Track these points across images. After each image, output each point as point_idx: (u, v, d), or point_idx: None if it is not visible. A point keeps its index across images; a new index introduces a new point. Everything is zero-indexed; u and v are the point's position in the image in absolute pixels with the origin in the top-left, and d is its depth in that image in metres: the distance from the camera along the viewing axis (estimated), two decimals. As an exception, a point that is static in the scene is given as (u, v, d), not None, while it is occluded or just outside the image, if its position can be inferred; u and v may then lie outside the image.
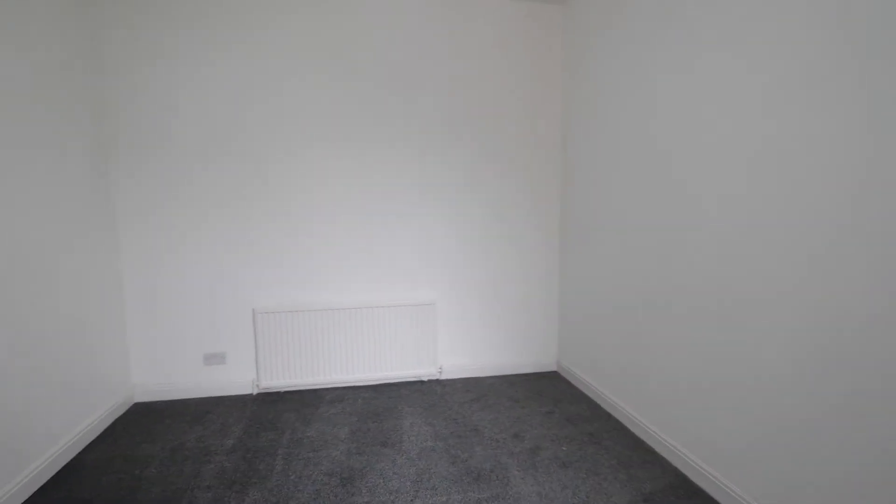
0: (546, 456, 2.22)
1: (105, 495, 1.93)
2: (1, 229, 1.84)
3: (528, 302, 3.26)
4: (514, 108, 3.08)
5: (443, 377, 3.17)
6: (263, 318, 2.86)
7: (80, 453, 2.25)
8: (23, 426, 1.93)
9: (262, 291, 2.90)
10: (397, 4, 2.87)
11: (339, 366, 2.98)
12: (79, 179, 2.38)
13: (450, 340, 3.19)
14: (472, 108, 3.03)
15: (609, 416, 2.62)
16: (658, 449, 2.22)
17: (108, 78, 2.59)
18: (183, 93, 2.67)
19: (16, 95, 1.95)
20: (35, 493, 1.94)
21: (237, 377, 2.92)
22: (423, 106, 2.96)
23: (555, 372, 3.31)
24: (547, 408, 2.74)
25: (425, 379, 3.13)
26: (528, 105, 3.10)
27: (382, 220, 2.99)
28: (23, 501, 1.87)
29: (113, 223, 2.67)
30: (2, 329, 1.82)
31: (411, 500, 1.89)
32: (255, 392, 2.93)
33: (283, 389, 2.95)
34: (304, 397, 2.87)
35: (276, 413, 2.66)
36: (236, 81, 2.72)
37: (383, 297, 3.05)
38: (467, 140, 3.04)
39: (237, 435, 2.41)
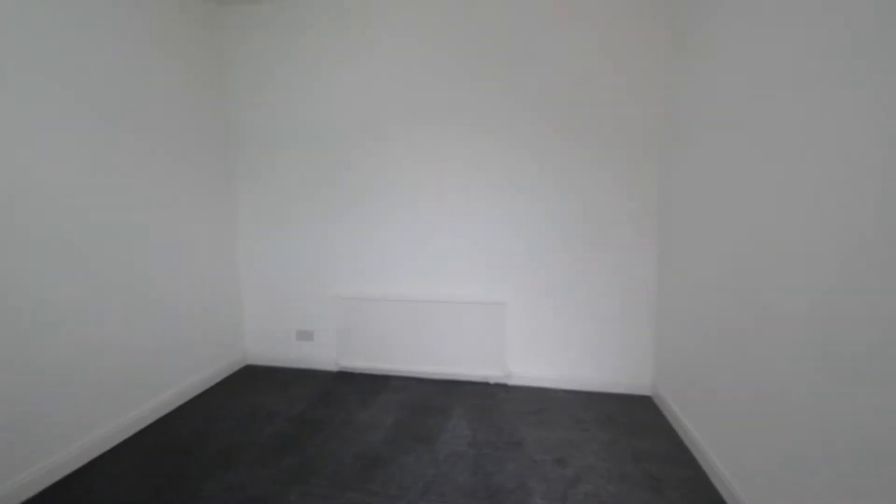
0: (583, 491, 1.91)
1: (187, 437, 2.38)
2: (162, 225, 2.45)
3: (617, 313, 2.83)
4: (611, 93, 2.68)
5: (511, 383, 2.99)
6: (343, 304, 3.13)
7: (197, 396, 2.82)
8: (161, 365, 2.52)
9: (343, 279, 3.17)
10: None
11: (407, 356, 3.08)
12: (211, 180, 2.97)
13: (521, 345, 2.98)
14: (563, 94, 2.74)
15: (693, 461, 2.11)
16: (738, 518, 1.69)
17: (232, 99, 3.16)
18: (282, 103, 3.09)
19: (171, 116, 2.55)
20: (158, 420, 2.51)
21: (322, 354, 3.26)
22: (506, 94, 2.81)
23: (647, 397, 2.80)
24: (612, 436, 2.34)
25: (491, 382, 3.00)
26: (628, 89, 2.66)
27: (459, 216, 2.95)
28: (151, 423, 2.45)
29: (234, 217, 3.25)
30: (161, 301, 2.41)
31: (415, 502, 1.84)
32: (335, 369, 3.23)
33: (357, 371, 3.18)
34: (373, 381, 3.05)
35: (342, 392, 2.89)
36: (320, 89, 3.02)
37: (453, 293, 3.02)
38: (555, 129, 2.77)
39: (302, 406, 2.70)
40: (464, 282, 3.01)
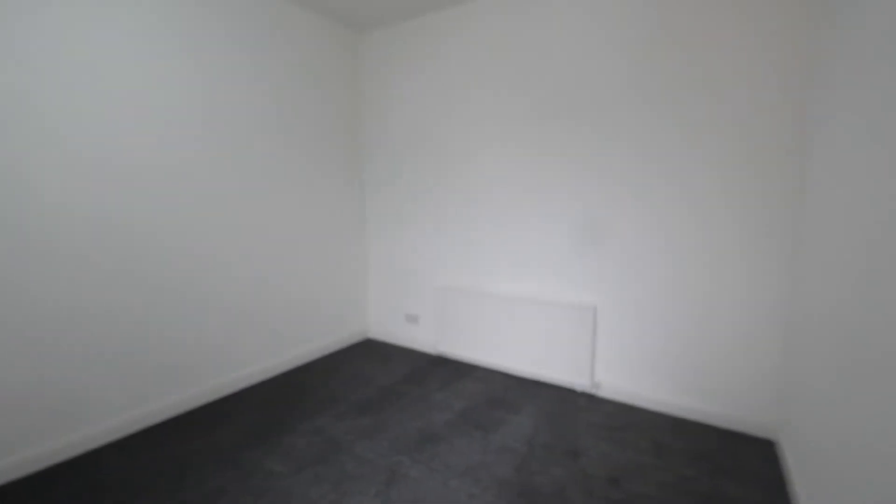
0: (625, 517, 1.74)
1: (305, 386, 2.96)
2: (313, 222, 3.14)
3: (732, 331, 2.39)
4: (734, 74, 2.29)
5: (598, 394, 2.80)
6: (442, 294, 3.39)
7: (324, 356, 3.46)
8: (303, 326, 3.21)
9: (444, 272, 3.44)
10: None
11: (495, 349, 3.16)
12: (345, 186, 3.59)
13: (614, 355, 2.76)
14: (673, 75, 2.46)
15: (793, 526, 1.69)
16: None
17: (365, 114, 3.72)
18: (403, 119, 3.50)
19: (316, 130, 3.22)
20: (292, 369, 3.20)
21: (424, 337, 3.59)
22: (606, 77, 2.67)
23: (764, 440, 2.29)
24: (695, 472, 2.02)
25: (577, 389, 2.86)
26: (757, 69, 2.23)
27: (553, 214, 2.91)
28: (286, 370, 3.15)
29: (364, 216, 3.83)
30: (315, 283, 3.12)
31: (452, 481, 1.96)
32: (433, 353, 3.53)
33: (450, 357, 3.41)
34: (460, 368, 3.23)
35: (430, 373, 3.16)
36: (430, 97, 3.31)
37: (543, 292, 2.98)
38: (660, 115, 2.51)
39: (395, 379, 3.06)
40: (554, 281, 2.94)
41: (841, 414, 1.49)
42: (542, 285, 2.99)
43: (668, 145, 2.48)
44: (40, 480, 1.96)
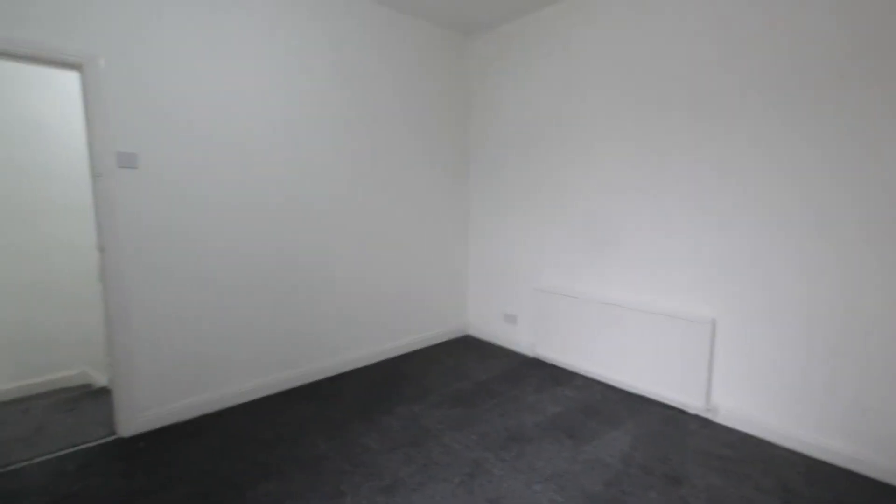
0: (732, 560, 1.53)
1: (404, 374, 3.16)
2: (419, 219, 3.38)
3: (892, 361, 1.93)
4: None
5: (715, 419, 2.48)
6: (541, 296, 3.33)
7: (425, 348, 3.65)
8: (407, 317, 3.46)
9: (544, 273, 3.36)
10: None
11: (596, 358, 3.00)
12: (453, 178, 3.74)
13: (736, 376, 2.42)
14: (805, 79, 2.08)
15: None
16: None
17: (472, 114, 3.81)
18: (508, 118, 3.50)
19: (432, 126, 3.44)
20: (393, 357, 3.45)
21: (522, 338, 3.56)
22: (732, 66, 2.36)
23: (954, 508, 1.80)
24: (833, 528, 1.68)
25: (689, 411, 2.57)
26: None
27: (663, 218, 2.67)
28: (388, 357, 3.41)
29: (468, 213, 3.93)
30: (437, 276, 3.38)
31: (536, 484, 1.94)
32: (530, 354, 3.48)
33: (548, 360, 3.32)
34: (558, 373, 3.13)
35: (526, 375, 3.12)
36: (537, 95, 3.26)
37: (652, 301, 2.74)
38: (794, 101, 2.14)
39: (490, 376, 3.10)
40: (667, 289, 2.68)
41: None
42: (654, 293, 2.75)
43: (796, 150, 2.09)
44: (185, 428, 2.44)
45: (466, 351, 3.62)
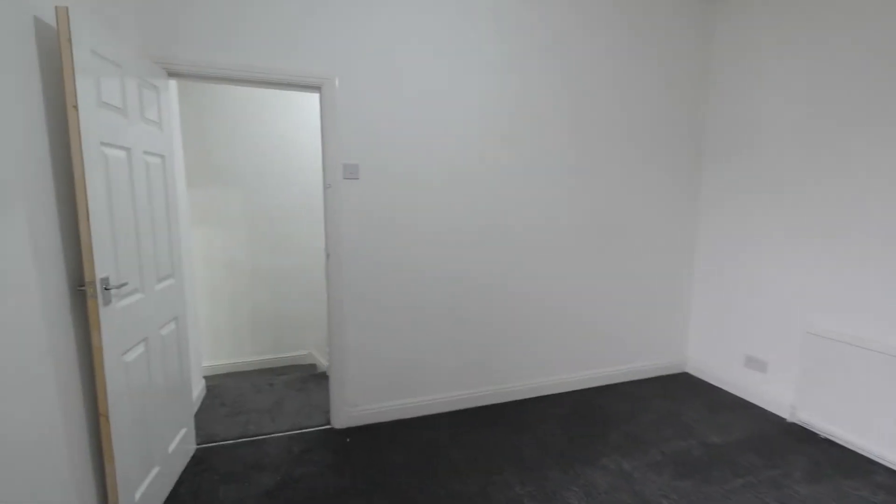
0: None
1: (606, 410, 2.66)
2: (635, 230, 2.90)
3: None
4: None
5: None
6: (816, 342, 2.38)
7: (630, 382, 3.08)
8: (611, 344, 3.00)
9: (819, 311, 2.40)
10: None
11: (922, 450, 1.98)
12: (681, 185, 3.06)
13: None
14: None
15: None
16: None
17: (711, 104, 3.01)
18: (771, 102, 2.62)
19: (659, 124, 2.89)
20: (588, 388, 2.99)
21: (773, 392, 2.65)
22: None
23: None
24: None
25: None
26: None
27: None
28: (584, 388, 2.98)
29: (696, 223, 3.15)
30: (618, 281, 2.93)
31: None
32: (786, 418, 2.55)
33: (822, 433, 2.36)
34: (842, 456, 2.19)
35: (786, 450, 2.27)
36: (830, 84, 2.31)
37: None
38: None
39: (727, 441, 2.37)
40: None
41: None
42: None
43: None
44: (385, 431, 2.48)
45: (686, 395, 2.90)
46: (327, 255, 2.40)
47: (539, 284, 2.80)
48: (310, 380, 3.18)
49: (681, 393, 2.93)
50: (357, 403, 2.51)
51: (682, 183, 3.08)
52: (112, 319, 1.51)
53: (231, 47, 2.10)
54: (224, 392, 2.96)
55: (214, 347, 3.55)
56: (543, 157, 2.70)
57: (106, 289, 1.46)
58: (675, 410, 2.68)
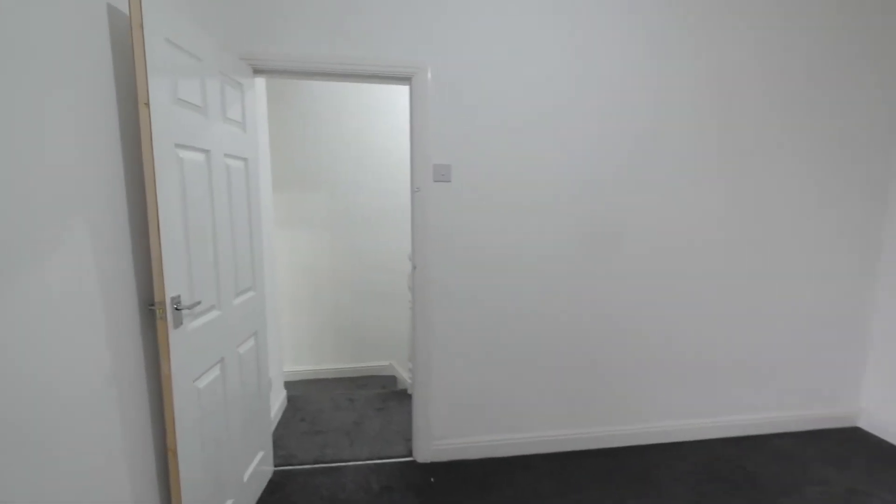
0: None
1: (736, 476, 2.08)
2: (780, 245, 2.30)
3: None
4: None
5: None
6: None
7: (770, 435, 2.44)
8: (735, 394, 2.41)
9: None
10: None
11: None
12: (859, 193, 2.36)
13: None
14: None
15: None
16: None
17: None
18: None
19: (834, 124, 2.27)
20: (718, 439, 2.40)
21: None
22: None
23: None
24: None
25: None
26: None
27: None
28: (712, 438, 2.40)
29: (878, 238, 2.41)
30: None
31: None
32: None
33: None
34: None
35: None
36: None
37: None
38: None
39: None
40: None
41: None
42: None
43: None
44: (473, 470, 2.14)
45: (860, 459, 2.21)
46: (413, 267, 2.13)
47: (668, 312, 2.29)
48: (391, 397, 2.96)
49: (856, 457, 2.23)
50: (443, 436, 2.21)
51: (865, 192, 2.37)
52: (183, 342, 1.34)
53: (321, 39, 1.90)
54: (304, 405, 2.83)
55: (296, 353, 3.49)
56: (692, 158, 2.19)
57: (177, 309, 1.30)
58: (852, 484, 2.02)
